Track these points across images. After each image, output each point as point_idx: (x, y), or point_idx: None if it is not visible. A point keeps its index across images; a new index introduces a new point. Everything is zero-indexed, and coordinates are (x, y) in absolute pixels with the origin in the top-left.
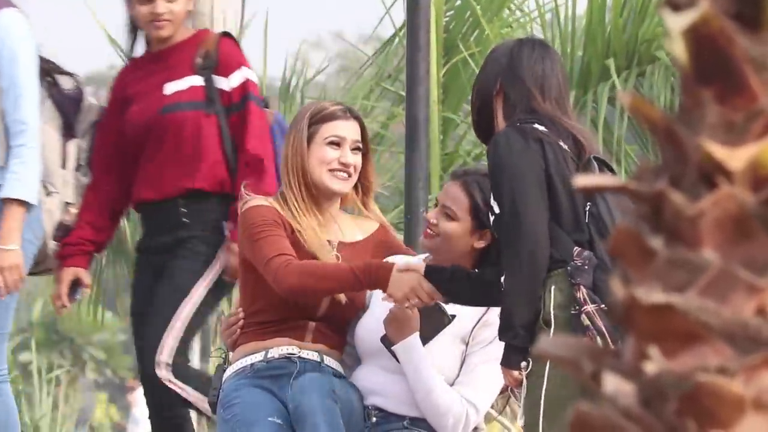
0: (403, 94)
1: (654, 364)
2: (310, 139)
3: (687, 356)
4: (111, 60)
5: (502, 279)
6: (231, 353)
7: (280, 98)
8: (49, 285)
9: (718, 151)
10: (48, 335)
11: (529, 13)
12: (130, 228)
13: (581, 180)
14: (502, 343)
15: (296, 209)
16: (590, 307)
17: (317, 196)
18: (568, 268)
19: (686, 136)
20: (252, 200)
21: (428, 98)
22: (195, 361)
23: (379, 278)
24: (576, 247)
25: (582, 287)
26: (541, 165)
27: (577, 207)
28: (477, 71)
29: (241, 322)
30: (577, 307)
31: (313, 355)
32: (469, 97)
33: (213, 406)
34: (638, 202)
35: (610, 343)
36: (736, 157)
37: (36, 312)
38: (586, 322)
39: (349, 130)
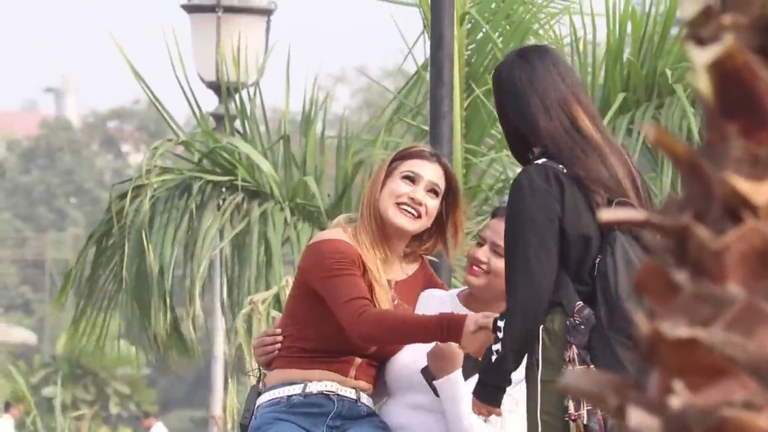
0: (425, 128)
1: (679, 398)
2: (388, 174)
3: (712, 391)
4: (136, 95)
5: (501, 323)
6: (264, 373)
7: (301, 131)
8: (73, 320)
9: (743, 185)
10: (72, 370)
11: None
12: (153, 260)
13: (605, 214)
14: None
15: (365, 243)
16: (575, 368)
17: (388, 232)
18: (567, 323)
19: (711, 170)
20: (329, 231)
21: (452, 133)
22: (218, 394)
23: (452, 332)
24: (579, 302)
25: (574, 347)
26: (558, 213)
27: (586, 257)
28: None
29: (278, 345)
30: (565, 366)
31: (350, 393)
32: (491, 131)
33: (244, 428)
34: (663, 236)
35: (581, 406)
36: (761, 192)
37: (60, 347)
38: None
39: (428, 170)
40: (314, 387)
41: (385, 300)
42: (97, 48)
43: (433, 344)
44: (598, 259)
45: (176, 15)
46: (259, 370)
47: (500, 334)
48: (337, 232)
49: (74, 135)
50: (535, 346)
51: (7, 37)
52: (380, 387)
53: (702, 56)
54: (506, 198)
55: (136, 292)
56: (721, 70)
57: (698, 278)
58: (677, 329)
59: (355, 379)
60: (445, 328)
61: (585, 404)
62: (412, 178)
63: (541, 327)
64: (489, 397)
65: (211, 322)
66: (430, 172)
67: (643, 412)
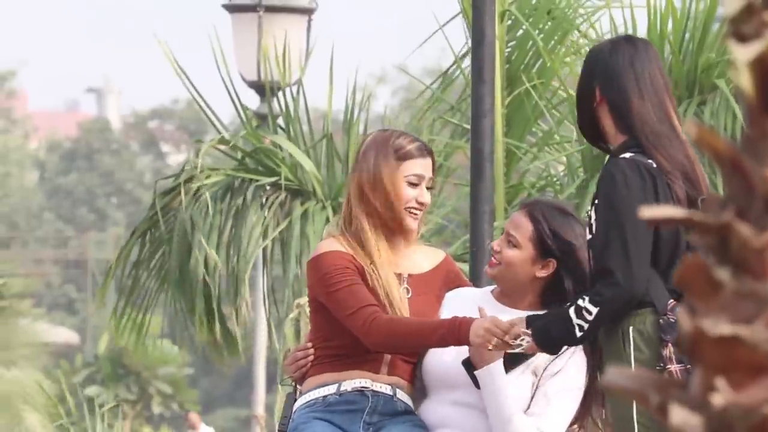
0: (465, 126)
1: (721, 396)
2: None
3: (755, 388)
4: (175, 94)
5: (590, 306)
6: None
7: (343, 131)
8: (113, 316)
9: None
10: (114, 369)
11: (586, 47)
12: (207, 257)
13: (647, 211)
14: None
15: (370, 246)
16: (675, 367)
17: (392, 231)
18: (660, 321)
19: (752, 167)
20: (322, 243)
21: (493, 131)
22: (260, 393)
23: (462, 334)
24: (671, 300)
25: (670, 345)
26: (649, 200)
27: (676, 255)
28: (540, 102)
29: (310, 357)
30: (662, 365)
31: (386, 389)
32: (533, 129)
33: None
34: (705, 234)
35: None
36: None
37: (102, 346)
38: None
39: (426, 168)
40: (348, 385)
41: (396, 294)
42: (136, 48)
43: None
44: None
45: (217, 15)
46: (294, 385)
47: (588, 315)
48: (330, 242)
49: (114, 135)
50: (626, 348)
51: (51, 38)
52: (420, 384)
53: (744, 53)
54: (547, 196)
55: (181, 291)
56: (762, 66)
57: (740, 275)
58: (719, 327)
59: (389, 375)
60: (456, 330)
61: None
62: (416, 183)
63: (631, 328)
64: (549, 348)
65: (253, 320)
66: (428, 170)
67: (686, 409)
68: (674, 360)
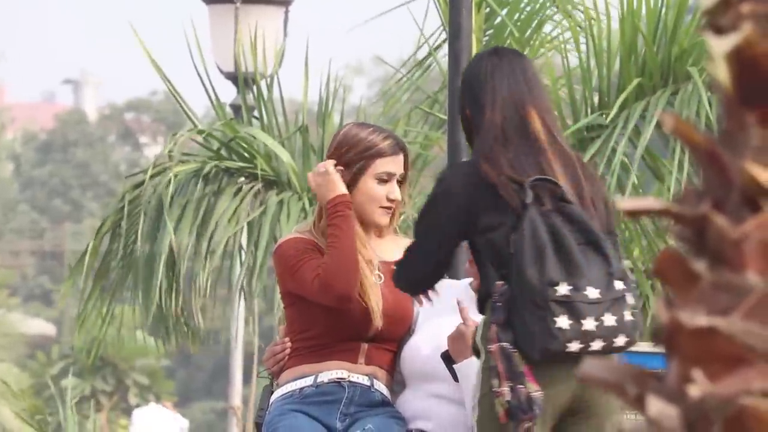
0: (443, 117)
1: (698, 387)
2: (360, 171)
3: (731, 379)
4: (152, 86)
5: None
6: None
7: (318, 122)
8: (91, 310)
9: (762, 173)
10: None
11: (562, 35)
12: (158, 246)
13: (625, 203)
14: None
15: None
16: (494, 346)
17: (363, 225)
18: (490, 305)
19: (729, 158)
20: (283, 237)
21: None
22: (237, 385)
23: (347, 204)
24: (497, 282)
25: (493, 325)
26: (464, 213)
27: (506, 242)
28: None
29: (287, 350)
30: (489, 346)
31: (363, 379)
32: None
33: (259, 426)
34: (681, 225)
35: (502, 383)
36: None
37: (79, 338)
38: (492, 361)
39: (398, 165)
40: (325, 376)
41: (366, 281)
42: (114, 40)
43: (453, 329)
44: (513, 237)
45: (194, 6)
46: (271, 377)
47: None
48: (290, 234)
49: (89, 127)
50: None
51: (28, 29)
52: (399, 376)
53: (720, 45)
54: None
55: (145, 275)
56: (739, 58)
57: (717, 267)
58: (696, 318)
59: (366, 364)
60: (340, 203)
61: (506, 381)
62: (385, 179)
63: (481, 319)
64: None
65: (229, 311)
66: (399, 167)
67: (662, 401)
68: (495, 339)
